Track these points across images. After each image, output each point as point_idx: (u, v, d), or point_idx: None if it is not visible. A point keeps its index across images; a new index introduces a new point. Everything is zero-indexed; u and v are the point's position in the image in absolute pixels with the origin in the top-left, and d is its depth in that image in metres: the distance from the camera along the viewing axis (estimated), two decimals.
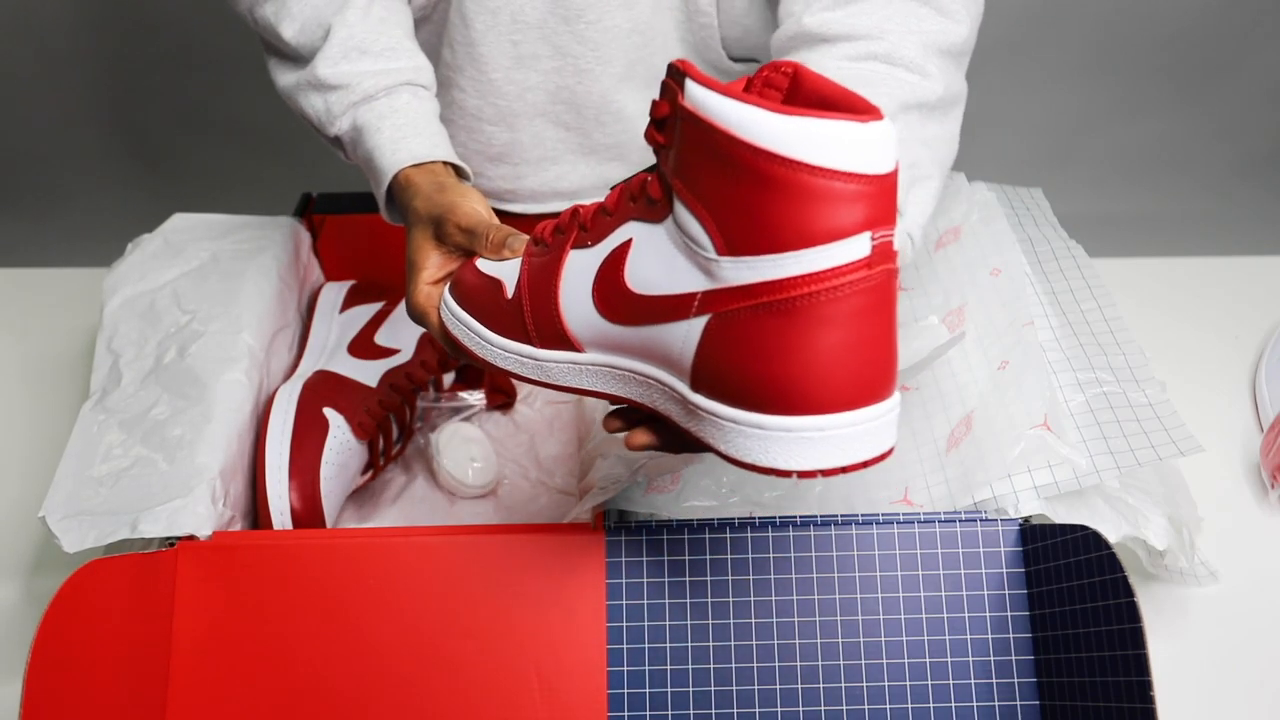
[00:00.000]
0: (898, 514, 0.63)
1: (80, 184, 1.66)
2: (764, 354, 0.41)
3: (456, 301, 0.56)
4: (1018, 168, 1.54)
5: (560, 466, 0.81)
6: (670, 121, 0.44)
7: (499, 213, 0.88)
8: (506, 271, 0.54)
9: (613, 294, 0.47)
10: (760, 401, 0.42)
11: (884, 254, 0.41)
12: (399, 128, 0.68)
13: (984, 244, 0.80)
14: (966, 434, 0.68)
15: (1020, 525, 0.63)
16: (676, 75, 0.43)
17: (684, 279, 0.43)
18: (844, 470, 0.43)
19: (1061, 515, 0.64)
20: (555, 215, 0.87)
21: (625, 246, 0.46)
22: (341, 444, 0.74)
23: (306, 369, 0.80)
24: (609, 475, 0.66)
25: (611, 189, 0.50)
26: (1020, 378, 0.69)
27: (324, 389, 0.76)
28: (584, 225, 0.49)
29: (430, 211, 0.62)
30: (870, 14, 0.62)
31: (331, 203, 0.93)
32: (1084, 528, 0.57)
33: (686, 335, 0.44)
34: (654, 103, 0.44)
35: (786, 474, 0.43)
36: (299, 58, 0.71)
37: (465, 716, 0.60)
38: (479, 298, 0.55)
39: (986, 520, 0.63)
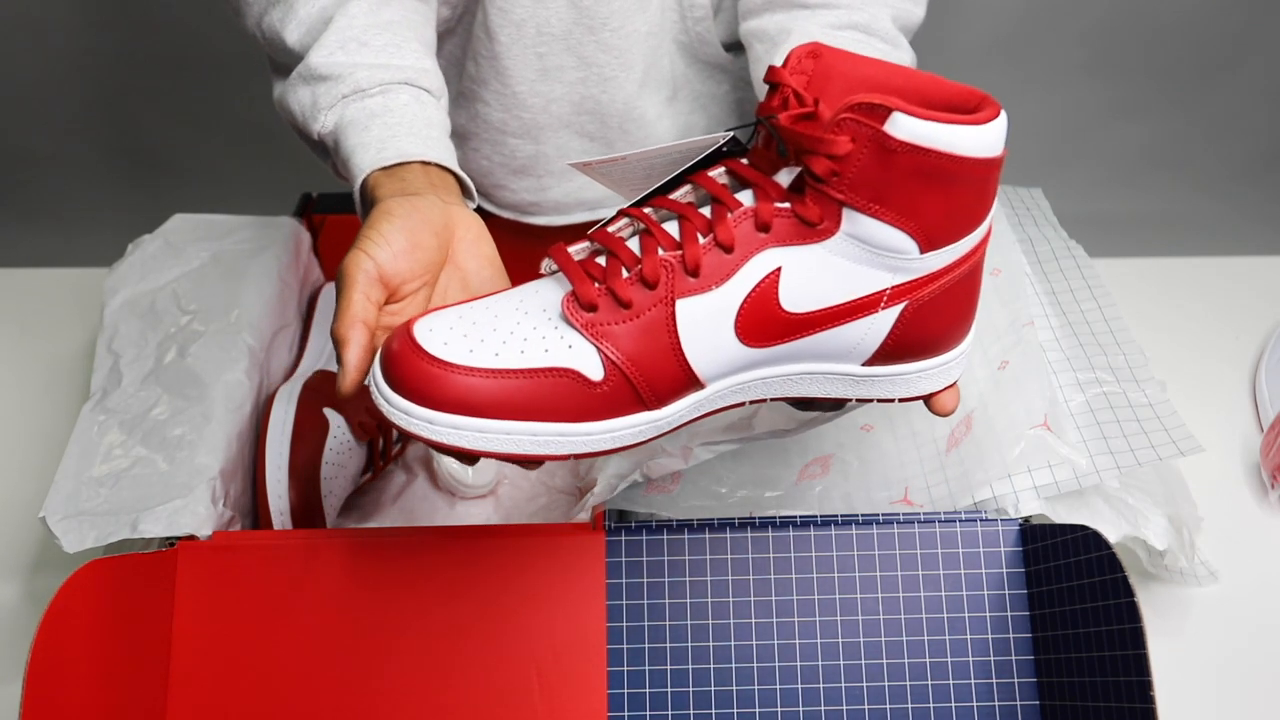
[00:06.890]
0: (898, 514, 0.63)
1: (80, 184, 1.66)
2: (951, 313, 0.50)
3: (459, 414, 0.45)
4: (1018, 168, 1.54)
5: (560, 466, 0.81)
6: (853, 156, 0.45)
7: (522, 226, 0.88)
8: (559, 355, 0.46)
9: (764, 322, 0.48)
10: (941, 348, 0.52)
11: None
12: (390, 126, 0.59)
13: None
14: (966, 434, 0.68)
15: (1020, 525, 0.62)
16: (872, 110, 0.44)
17: (865, 282, 0.48)
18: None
19: (1061, 515, 0.64)
20: (579, 226, 0.87)
21: (775, 275, 0.47)
22: (341, 444, 0.74)
23: (306, 369, 0.80)
24: (609, 475, 0.66)
25: (702, 231, 0.48)
26: (1020, 378, 0.69)
27: (324, 389, 0.76)
28: (692, 272, 0.47)
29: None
30: None
31: (331, 203, 0.93)
32: (1084, 528, 0.57)
33: (870, 328, 0.49)
34: (822, 139, 0.45)
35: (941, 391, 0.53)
36: (300, 61, 0.64)
37: (465, 716, 0.60)
38: (524, 400, 0.46)
39: (986, 520, 0.63)
